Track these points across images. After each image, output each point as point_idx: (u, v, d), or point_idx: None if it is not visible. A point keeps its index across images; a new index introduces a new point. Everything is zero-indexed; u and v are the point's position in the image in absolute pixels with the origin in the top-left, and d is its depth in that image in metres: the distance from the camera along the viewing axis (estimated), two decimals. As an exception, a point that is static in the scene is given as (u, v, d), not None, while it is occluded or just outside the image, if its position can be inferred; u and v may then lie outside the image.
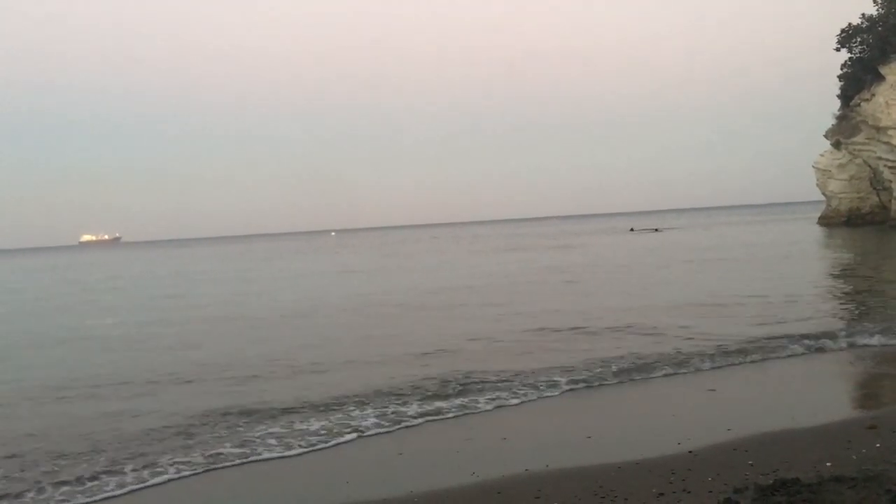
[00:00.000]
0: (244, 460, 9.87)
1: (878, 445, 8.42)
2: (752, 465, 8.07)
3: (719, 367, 14.05)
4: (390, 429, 11.03)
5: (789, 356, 14.75)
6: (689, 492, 7.34)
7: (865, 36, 69.61)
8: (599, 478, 8.02)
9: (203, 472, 9.53)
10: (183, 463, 9.80)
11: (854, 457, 8.04)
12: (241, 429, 11.30)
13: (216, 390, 14.32)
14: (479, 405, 12.11)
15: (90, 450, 10.57)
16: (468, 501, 7.69)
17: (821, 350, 15.15)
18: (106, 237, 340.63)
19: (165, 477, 9.35)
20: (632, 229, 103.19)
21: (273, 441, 10.57)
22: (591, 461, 8.78)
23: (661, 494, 7.32)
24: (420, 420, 11.44)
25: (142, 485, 9.15)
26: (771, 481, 7.19)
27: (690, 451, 8.78)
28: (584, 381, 13.33)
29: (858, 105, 67.33)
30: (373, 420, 11.42)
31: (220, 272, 62.34)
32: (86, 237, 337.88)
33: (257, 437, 10.74)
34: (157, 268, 77.60)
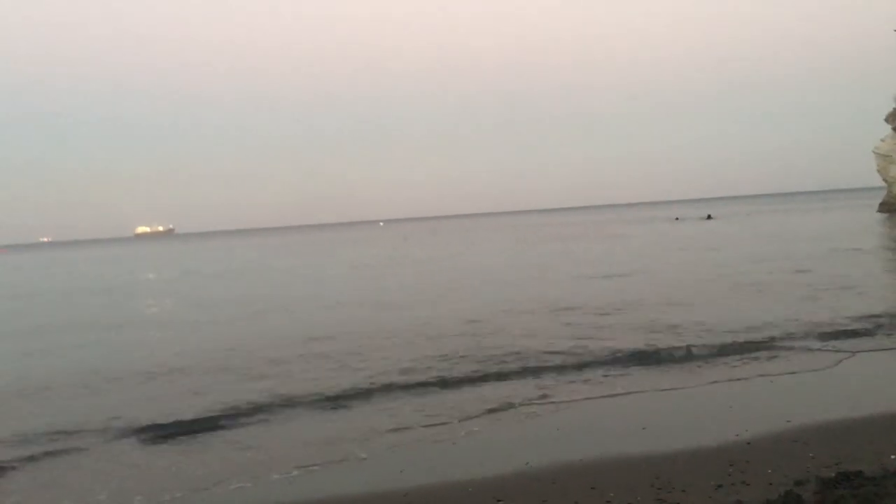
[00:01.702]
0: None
1: (944, 437, 8.18)
2: (812, 457, 7.90)
3: (778, 360, 13.69)
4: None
5: (853, 351, 14.31)
6: (747, 484, 7.22)
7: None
8: (655, 468, 7.94)
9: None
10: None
11: (921, 450, 7.82)
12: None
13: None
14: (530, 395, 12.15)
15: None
16: (521, 489, 7.67)
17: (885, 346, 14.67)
18: (160, 228, 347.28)
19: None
20: (676, 218, 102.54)
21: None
22: (646, 451, 8.69)
23: (720, 486, 7.22)
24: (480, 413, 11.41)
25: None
26: (833, 474, 7.03)
27: (748, 443, 8.64)
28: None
29: (921, 87, 65.20)
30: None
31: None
32: (141, 229, 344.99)
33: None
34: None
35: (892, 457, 7.64)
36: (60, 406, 13.22)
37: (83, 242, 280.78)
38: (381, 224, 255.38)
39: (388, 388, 13.02)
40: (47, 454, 10.22)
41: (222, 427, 11.26)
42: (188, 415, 11.84)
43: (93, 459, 9.99)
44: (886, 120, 72.83)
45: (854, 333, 15.45)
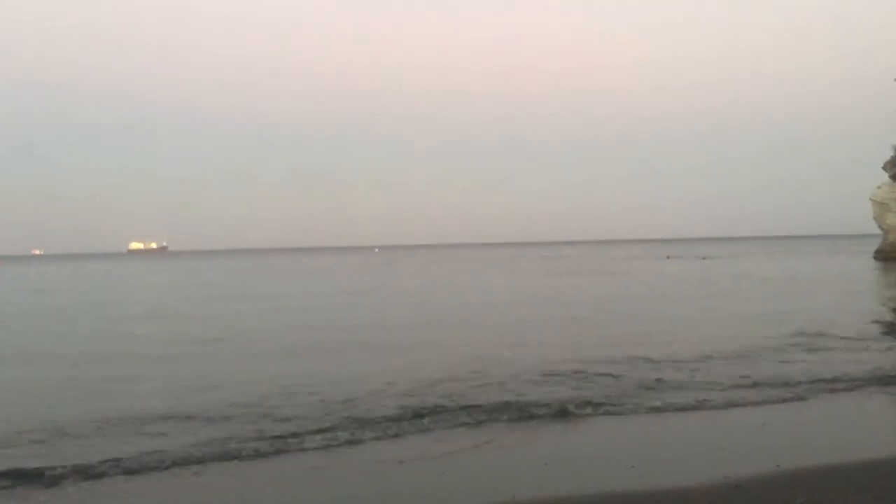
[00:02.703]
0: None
1: (936, 489, 8.06)
2: (802, 503, 7.77)
3: (770, 402, 13.56)
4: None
5: (843, 392, 14.22)
6: (735, 527, 7.08)
7: (928, 67, 68.06)
8: (642, 508, 7.81)
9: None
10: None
11: (915, 499, 7.70)
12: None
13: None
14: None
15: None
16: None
17: (872, 389, 14.58)
18: (154, 245, 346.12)
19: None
20: (668, 257, 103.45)
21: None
22: (634, 489, 8.56)
23: (707, 529, 7.08)
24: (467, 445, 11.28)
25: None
26: (822, 521, 6.91)
27: (738, 486, 8.50)
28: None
29: (918, 137, 65.67)
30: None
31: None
32: (134, 245, 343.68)
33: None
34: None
35: (884, 505, 7.52)
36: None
37: (75, 256, 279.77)
38: (377, 250, 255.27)
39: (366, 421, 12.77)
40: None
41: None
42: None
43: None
44: (884, 168, 73.28)
45: (848, 377, 15.35)
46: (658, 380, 15.27)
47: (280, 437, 11.46)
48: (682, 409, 13.05)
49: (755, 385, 14.67)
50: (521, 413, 12.75)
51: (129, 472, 9.85)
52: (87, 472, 9.69)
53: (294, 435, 11.55)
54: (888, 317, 26.56)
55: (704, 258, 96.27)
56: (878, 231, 75.72)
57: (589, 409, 12.89)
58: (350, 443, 11.23)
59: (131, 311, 38.41)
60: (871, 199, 74.86)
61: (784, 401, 13.49)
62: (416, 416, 12.46)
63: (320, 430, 11.76)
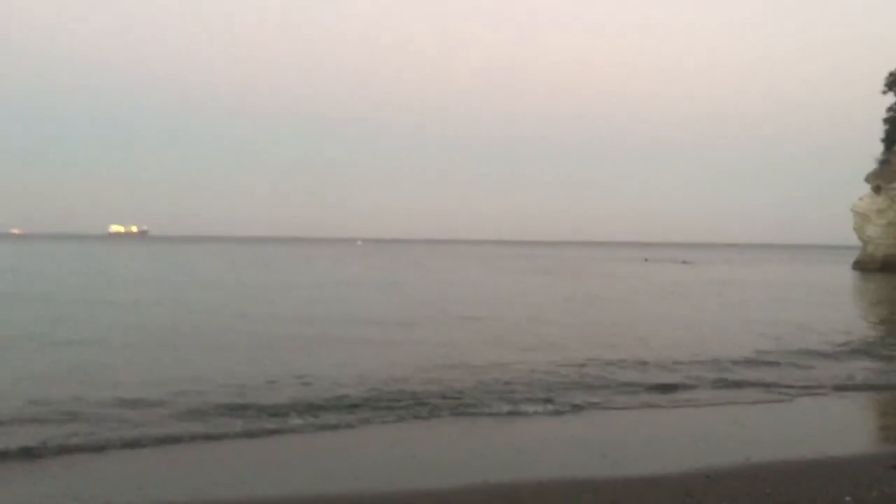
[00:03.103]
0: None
1: (900, 484, 8.21)
2: (769, 493, 7.90)
3: (745, 403, 13.70)
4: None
5: (815, 394, 14.41)
6: (703, 514, 7.19)
7: (914, 81, 68.82)
8: (613, 492, 7.91)
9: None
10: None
11: (875, 494, 7.85)
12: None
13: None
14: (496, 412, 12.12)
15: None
16: (478, 503, 7.60)
17: (842, 389, 14.79)
18: (134, 229, 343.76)
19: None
20: (646, 260, 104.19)
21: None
22: (605, 475, 8.67)
23: (675, 514, 7.19)
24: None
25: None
26: (788, 510, 7.03)
27: (707, 476, 8.63)
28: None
29: (901, 151, 66.43)
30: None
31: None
32: (115, 228, 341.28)
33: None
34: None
35: (847, 498, 7.65)
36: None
37: (54, 237, 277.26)
38: (359, 243, 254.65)
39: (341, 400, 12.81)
40: None
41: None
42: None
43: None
44: (867, 179, 74.08)
45: (814, 370, 15.72)
46: (630, 379, 15.39)
47: (257, 419, 11.49)
48: (655, 405, 13.16)
49: (727, 386, 14.79)
50: (495, 403, 12.81)
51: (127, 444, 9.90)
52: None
53: (271, 417, 11.56)
54: (855, 326, 26.86)
55: (684, 262, 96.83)
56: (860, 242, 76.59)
57: (561, 404, 12.96)
58: (324, 427, 11.24)
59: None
60: (852, 210, 75.65)
61: (756, 402, 13.65)
62: (388, 407, 12.37)
63: (293, 414, 11.76)
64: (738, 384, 14.84)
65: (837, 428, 11.89)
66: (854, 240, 78.22)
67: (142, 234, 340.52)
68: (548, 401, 12.95)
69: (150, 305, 30.35)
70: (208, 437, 10.48)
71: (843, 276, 64.61)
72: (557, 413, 12.26)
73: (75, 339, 19.98)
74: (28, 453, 9.44)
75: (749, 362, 17.37)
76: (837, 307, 34.29)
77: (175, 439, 10.29)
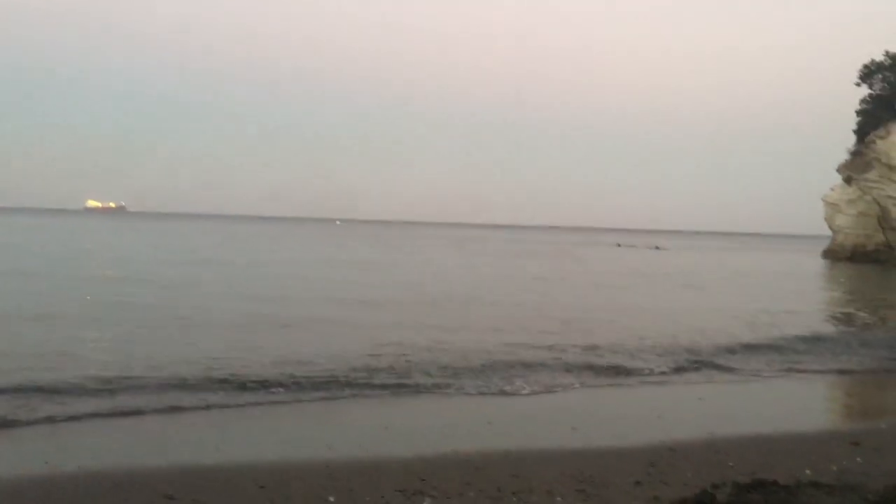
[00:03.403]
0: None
1: (858, 460, 8.44)
2: (731, 465, 8.11)
3: (711, 382, 13.96)
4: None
5: (777, 376, 14.71)
6: (666, 483, 7.38)
7: (887, 74, 69.57)
8: (579, 463, 8.08)
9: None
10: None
11: (834, 468, 8.06)
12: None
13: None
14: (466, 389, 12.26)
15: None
16: (446, 472, 7.73)
17: (803, 371, 15.12)
18: (112, 205, 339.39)
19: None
20: (618, 245, 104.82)
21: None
22: (573, 447, 8.85)
23: (639, 483, 7.38)
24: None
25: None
26: (749, 480, 7.21)
27: (672, 448, 8.82)
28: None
29: (873, 142, 67.19)
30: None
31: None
32: (91, 203, 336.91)
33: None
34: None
35: (807, 471, 7.86)
36: None
37: (27, 210, 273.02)
38: (338, 223, 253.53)
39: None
40: None
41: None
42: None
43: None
44: (838, 170, 74.93)
45: (780, 353, 16.17)
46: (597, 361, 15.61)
47: (230, 392, 11.56)
48: (623, 384, 13.37)
49: (692, 367, 15.02)
50: (467, 382, 12.94)
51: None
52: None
53: (243, 391, 11.61)
54: (817, 310, 27.37)
55: (657, 248, 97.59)
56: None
57: (532, 383, 13.13)
58: (297, 401, 11.32)
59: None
60: (823, 201, 76.55)
61: (721, 381, 13.94)
62: (360, 384, 12.37)
63: (266, 388, 11.81)
64: (702, 365, 15.08)
65: (800, 406, 12.18)
66: (826, 230, 79.22)
67: (119, 210, 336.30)
68: (520, 378, 13.14)
69: (117, 281, 30.08)
70: (178, 409, 10.54)
71: (811, 265, 65.48)
72: (531, 393, 12.40)
73: (44, 313, 19.76)
74: (3, 423, 9.48)
75: (714, 345, 17.64)
76: (800, 293, 34.84)
77: (147, 411, 10.35)
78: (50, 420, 9.73)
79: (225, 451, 8.60)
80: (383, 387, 12.24)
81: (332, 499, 6.82)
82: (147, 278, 31.03)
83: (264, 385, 11.86)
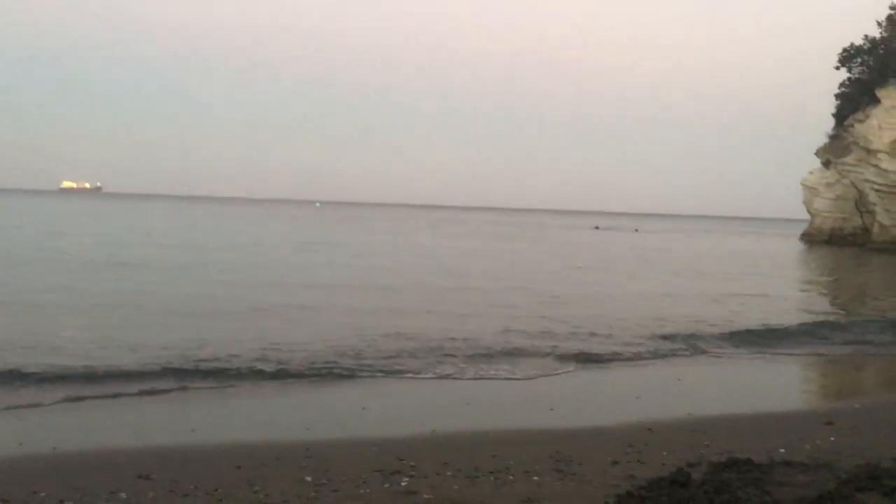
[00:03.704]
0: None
1: (832, 439, 8.54)
2: (707, 445, 8.17)
3: (689, 364, 14.07)
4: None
5: (749, 358, 14.84)
6: (643, 463, 7.42)
7: (866, 58, 70.02)
8: (557, 443, 8.10)
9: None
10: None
11: (807, 447, 8.15)
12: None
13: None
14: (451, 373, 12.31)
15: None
16: (425, 452, 7.74)
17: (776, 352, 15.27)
18: (87, 185, 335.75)
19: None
20: (596, 227, 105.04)
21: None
22: (550, 427, 8.89)
23: (616, 463, 7.41)
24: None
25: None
26: (724, 459, 7.28)
27: (649, 429, 8.87)
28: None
29: (852, 126, 67.73)
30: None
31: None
32: (66, 183, 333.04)
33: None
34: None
35: (781, 450, 7.94)
36: None
37: (2, 191, 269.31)
38: (318, 205, 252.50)
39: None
40: None
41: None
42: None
43: None
44: (817, 154, 75.48)
45: (756, 336, 16.34)
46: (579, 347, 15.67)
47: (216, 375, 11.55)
48: (600, 362, 13.45)
49: (671, 348, 15.16)
50: (446, 366, 12.94)
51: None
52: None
53: (223, 377, 11.55)
54: (792, 294, 27.67)
55: (636, 231, 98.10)
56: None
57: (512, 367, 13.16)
58: (275, 384, 11.30)
59: None
60: (802, 184, 77.15)
61: (699, 363, 14.06)
62: (338, 370, 12.32)
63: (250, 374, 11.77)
64: (680, 348, 15.23)
65: (775, 388, 12.31)
66: (805, 213, 79.89)
67: (95, 191, 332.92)
68: (498, 360, 13.20)
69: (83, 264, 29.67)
70: (152, 392, 10.51)
71: (789, 248, 66.10)
72: (509, 376, 12.41)
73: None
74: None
75: (692, 327, 17.77)
76: (776, 277, 35.20)
77: (123, 394, 10.31)
78: (24, 403, 9.66)
79: (201, 433, 8.57)
80: (360, 369, 12.24)
81: (309, 479, 6.80)
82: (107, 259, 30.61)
83: (239, 369, 11.82)
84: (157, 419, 9.43)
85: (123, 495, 6.34)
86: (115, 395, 10.23)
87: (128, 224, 65.68)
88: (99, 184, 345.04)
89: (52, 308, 17.62)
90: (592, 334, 16.14)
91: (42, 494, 6.33)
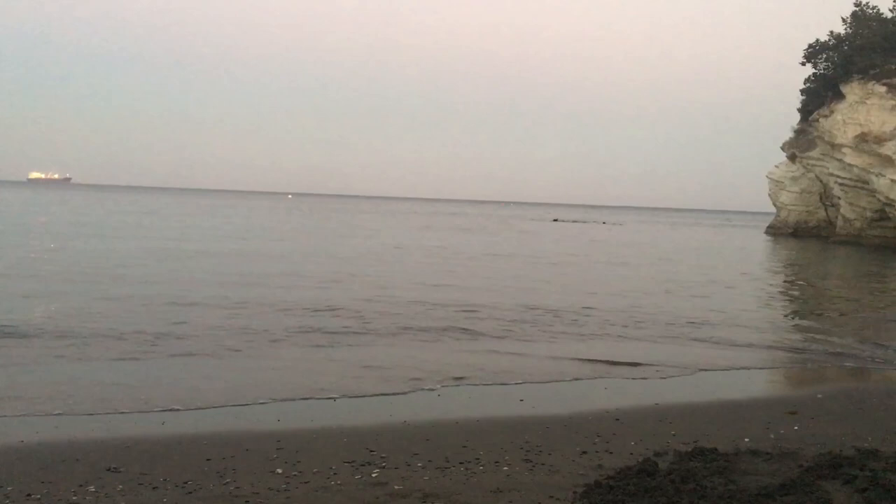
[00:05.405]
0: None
1: (796, 429, 8.71)
2: (674, 434, 8.30)
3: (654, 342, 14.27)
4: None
5: (715, 348, 15.04)
6: (610, 452, 7.52)
7: (831, 53, 70.88)
8: (526, 433, 8.18)
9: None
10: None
11: (772, 436, 8.31)
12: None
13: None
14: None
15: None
16: (395, 442, 7.78)
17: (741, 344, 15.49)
18: (56, 176, 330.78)
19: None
20: (555, 220, 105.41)
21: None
22: (520, 417, 8.97)
23: (584, 452, 7.50)
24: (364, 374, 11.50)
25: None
26: (690, 448, 7.41)
27: (617, 419, 8.99)
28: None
29: (817, 121, 68.62)
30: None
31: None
32: (34, 174, 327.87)
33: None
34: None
35: (746, 440, 8.09)
36: None
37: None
38: (290, 197, 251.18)
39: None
40: None
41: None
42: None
43: None
44: (782, 148, 76.48)
45: (720, 327, 16.56)
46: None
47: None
48: (573, 356, 13.55)
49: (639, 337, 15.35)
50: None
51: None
52: None
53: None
54: (757, 286, 28.05)
55: (604, 223, 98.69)
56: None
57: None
58: (245, 372, 11.29)
59: None
60: (768, 178, 78.20)
61: (666, 353, 14.21)
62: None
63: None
64: (648, 337, 15.42)
65: (741, 378, 12.45)
66: (771, 206, 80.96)
67: (64, 182, 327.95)
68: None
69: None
70: (119, 384, 10.43)
71: (754, 240, 66.96)
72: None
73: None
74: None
75: (658, 318, 18.01)
76: (740, 269, 35.65)
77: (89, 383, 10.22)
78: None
79: (170, 424, 8.52)
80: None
81: (279, 471, 6.80)
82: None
83: (207, 355, 11.87)
84: (124, 410, 9.33)
85: (92, 488, 6.30)
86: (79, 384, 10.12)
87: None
88: (68, 175, 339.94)
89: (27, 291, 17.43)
90: (564, 323, 16.29)
91: (8, 488, 6.28)
